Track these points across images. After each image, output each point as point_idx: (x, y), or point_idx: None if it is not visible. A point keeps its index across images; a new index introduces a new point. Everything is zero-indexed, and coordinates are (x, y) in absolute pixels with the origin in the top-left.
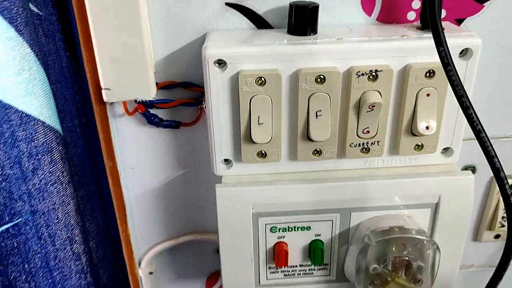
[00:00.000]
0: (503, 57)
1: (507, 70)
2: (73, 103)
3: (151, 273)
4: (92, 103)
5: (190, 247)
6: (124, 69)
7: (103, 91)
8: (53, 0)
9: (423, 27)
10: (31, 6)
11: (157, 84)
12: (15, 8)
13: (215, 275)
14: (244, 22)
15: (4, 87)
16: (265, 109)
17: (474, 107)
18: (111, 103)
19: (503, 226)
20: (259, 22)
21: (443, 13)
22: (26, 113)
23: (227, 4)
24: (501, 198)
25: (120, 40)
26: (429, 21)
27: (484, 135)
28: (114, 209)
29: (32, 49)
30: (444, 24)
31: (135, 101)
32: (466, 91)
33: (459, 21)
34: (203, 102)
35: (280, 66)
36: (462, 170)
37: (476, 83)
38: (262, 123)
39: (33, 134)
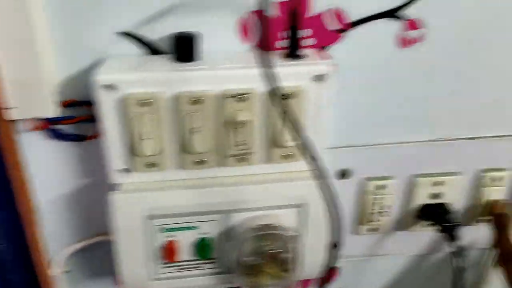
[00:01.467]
0: (362, 76)
1: (366, 86)
2: None
3: (64, 272)
4: None
5: (100, 247)
6: (26, 90)
7: (8, 110)
8: None
9: (287, 55)
10: None
11: (62, 102)
12: None
13: None
14: (138, 48)
15: None
16: (150, 126)
17: (341, 118)
18: (18, 120)
19: (374, 221)
20: (152, 49)
21: (311, 41)
22: None
23: (121, 33)
24: (372, 196)
25: (22, 65)
26: (261, 65)
27: (310, 150)
28: (22, 215)
29: None
30: (307, 51)
31: (40, 118)
32: (326, 109)
33: (324, 48)
34: None
35: (162, 90)
36: (337, 173)
37: (342, 98)
38: (148, 138)
39: None
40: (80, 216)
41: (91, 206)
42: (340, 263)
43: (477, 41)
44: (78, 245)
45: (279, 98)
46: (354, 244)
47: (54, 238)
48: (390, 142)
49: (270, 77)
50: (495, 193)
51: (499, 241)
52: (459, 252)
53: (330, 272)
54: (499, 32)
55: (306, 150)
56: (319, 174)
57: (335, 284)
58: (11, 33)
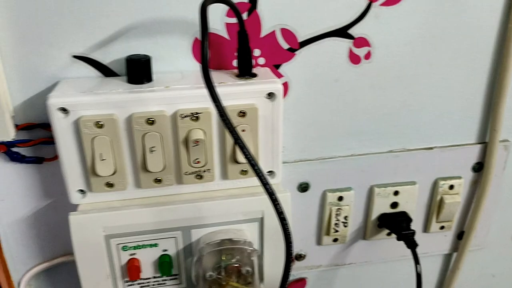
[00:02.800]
0: (315, 92)
1: (320, 102)
2: None
3: None
4: None
5: (65, 267)
6: None
7: None
8: None
9: (240, 74)
10: None
11: (17, 125)
12: None
13: None
14: (93, 71)
15: None
16: (105, 147)
17: (299, 133)
18: None
19: (337, 231)
20: (106, 71)
21: (263, 60)
22: None
23: (74, 56)
24: (333, 208)
25: None
26: (205, 85)
27: (257, 167)
28: None
29: None
30: (262, 70)
31: None
32: (276, 125)
33: (277, 67)
34: None
35: (116, 111)
36: (297, 187)
37: (297, 114)
38: (105, 159)
39: None
40: (42, 237)
41: (53, 227)
42: (307, 274)
43: (420, 57)
44: (41, 267)
45: (225, 118)
46: (319, 255)
47: (18, 260)
48: (347, 154)
49: (215, 97)
50: (450, 201)
51: None
52: (417, 259)
53: (296, 284)
54: (441, 47)
55: (253, 167)
56: (268, 191)
57: None
58: None
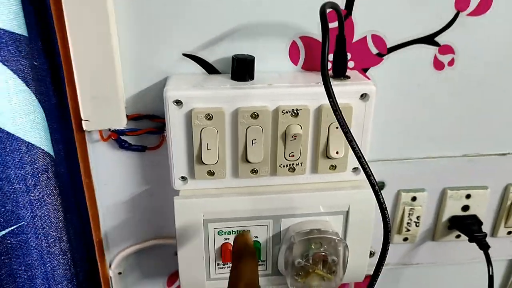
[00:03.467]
0: (397, 95)
1: (401, 105)
2: (59, 131)
3: (120, 273)
4: (73, 132)
5: (153, 250)
6: (101, 104)
7: (83, 122)
8: (45, 53)
9: (335, 76)
10: (34, 62)
11: (127, 116)
12: (25, 69)
13: (175, 275)
14: (197, 68)
15: (17, 125)
16: (212, 138)
17: (378, 134)
18: (89, 131)
19: (408, 230)
20: (209, 68)
21: (352, 64)
22: (31, 143)
23: (184, 54)
24: (406, 207)
25: (97, 81)
26: (323, 82)
27: (363, 160)
28: (89, 218)
29: (36, 97)
30: (352, 73)
31: (109, 129)
32: (366, 125)
33: (365, 70)
34: (165, 131)
35: (224, 105)
36: None
37: (379, 115)
38: (210, 149)
39: (35, 158)
40: (136, 222)
41: (147, 212)
42: None
43: (503, 66)
44: (132, 249)
45: (339, 112)
46: (388, 253)
47: (111, 242)
48: (423, 156)
49: (331, 93)
50: None
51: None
52: (489, 261)
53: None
54: None
55: (361, 160)
56: (372, 183)
57: None
58: (90, 52)
